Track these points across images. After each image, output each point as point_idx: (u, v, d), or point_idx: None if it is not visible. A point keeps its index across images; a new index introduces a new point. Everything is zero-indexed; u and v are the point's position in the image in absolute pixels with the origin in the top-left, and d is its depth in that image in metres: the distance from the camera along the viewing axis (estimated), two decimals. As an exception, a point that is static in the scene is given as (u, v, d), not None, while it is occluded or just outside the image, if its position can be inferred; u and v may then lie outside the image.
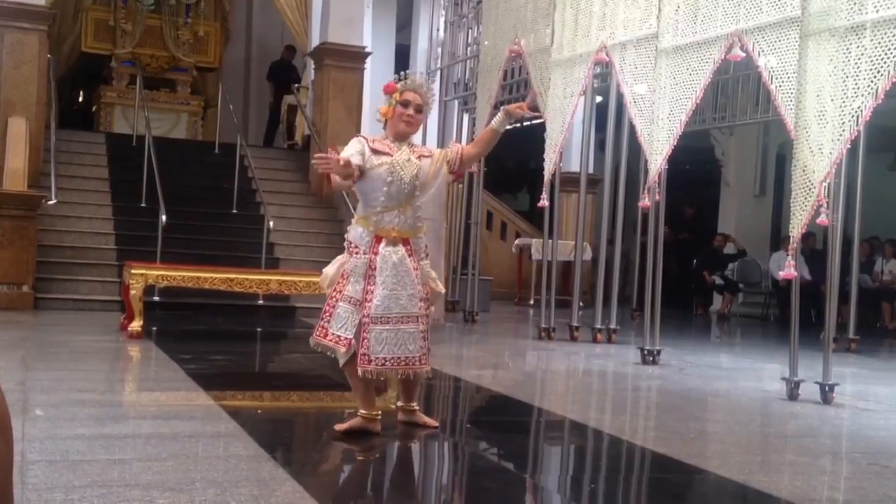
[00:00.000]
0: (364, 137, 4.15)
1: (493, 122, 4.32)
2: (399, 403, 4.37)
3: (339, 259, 4.15)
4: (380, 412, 4.17)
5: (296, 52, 13.91)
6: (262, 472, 3.45)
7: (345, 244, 4.16)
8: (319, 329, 4.08)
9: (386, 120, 4.19)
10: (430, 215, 4.14)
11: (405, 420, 4.33)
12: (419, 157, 4.11)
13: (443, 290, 4.24)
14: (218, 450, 3.86)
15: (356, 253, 4.06)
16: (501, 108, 4.24)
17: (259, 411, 4.92)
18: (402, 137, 4.14)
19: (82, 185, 10.76)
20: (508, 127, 4.34)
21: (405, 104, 4.11)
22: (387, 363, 3.98)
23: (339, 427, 4.13)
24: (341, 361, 4.07)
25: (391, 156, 4.05)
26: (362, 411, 4.12)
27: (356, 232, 4.09)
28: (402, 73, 4.28)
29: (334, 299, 4.06)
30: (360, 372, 3.99)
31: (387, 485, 3.82)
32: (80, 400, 4.64)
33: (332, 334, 4.03)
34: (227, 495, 3.07)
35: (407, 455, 4.37)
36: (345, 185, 4.10)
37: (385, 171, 4.01)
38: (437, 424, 4.37)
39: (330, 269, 4.15)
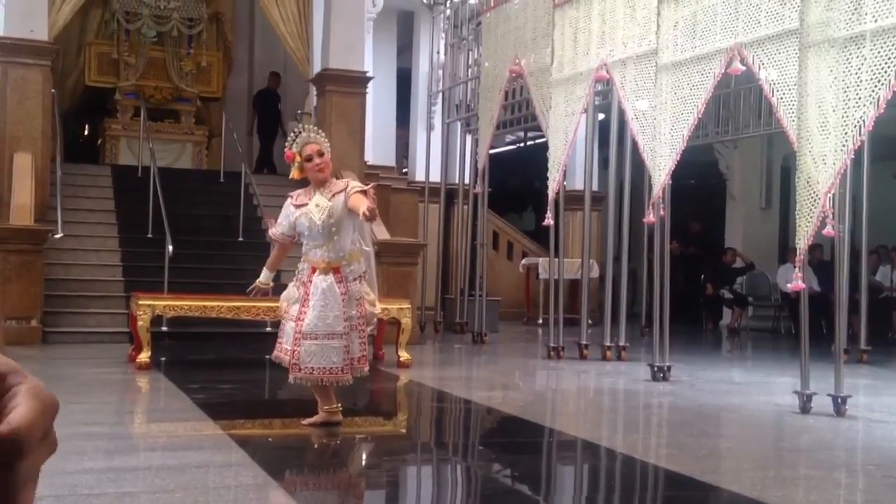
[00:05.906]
0: (290, 196, 4.98)
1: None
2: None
3: (290, 287, 4.95)
4: (339, 405, 4.85)
5: (280, 79, 13.98)
6: (271, 501, 3.43)
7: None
8: (278, 345, 4.87)
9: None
10: (358, 245, 4.82)
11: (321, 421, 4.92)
12: (332, 197, 4.72)
13: (377, 310, 5.02)
14: (227, 479, 3.84)
15: (300, 281, 4.82)
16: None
17: (269, 440, 4.89)
18: (320, 184, 4.80)
19: (88, 217, 10.78)
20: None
21: (309, 159, 4.76)
22: (314, 372, 4.68)
23: (305, 421, 4.85)
24: (290, 372, 4.74)
25: (307, 205, 4.77)
26: (324, 406, 4.80)
27: (300, 266, 4.88)
28: (294, 131, 4.95)
29: (283, 320, 4.91)
30: (290, 378, 4.73)
31: (398, 510, 3.79)
32: (88, 433, 4.63)
33: (283, 348, 4.81)
34: (236, 526, 3.05)
35: (419, 479, 4.34)
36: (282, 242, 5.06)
37: (304, 219, 4.76)
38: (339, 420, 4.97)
39: (283, 297, 4.96)
